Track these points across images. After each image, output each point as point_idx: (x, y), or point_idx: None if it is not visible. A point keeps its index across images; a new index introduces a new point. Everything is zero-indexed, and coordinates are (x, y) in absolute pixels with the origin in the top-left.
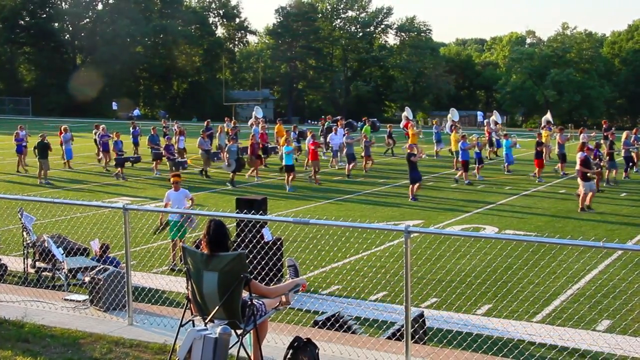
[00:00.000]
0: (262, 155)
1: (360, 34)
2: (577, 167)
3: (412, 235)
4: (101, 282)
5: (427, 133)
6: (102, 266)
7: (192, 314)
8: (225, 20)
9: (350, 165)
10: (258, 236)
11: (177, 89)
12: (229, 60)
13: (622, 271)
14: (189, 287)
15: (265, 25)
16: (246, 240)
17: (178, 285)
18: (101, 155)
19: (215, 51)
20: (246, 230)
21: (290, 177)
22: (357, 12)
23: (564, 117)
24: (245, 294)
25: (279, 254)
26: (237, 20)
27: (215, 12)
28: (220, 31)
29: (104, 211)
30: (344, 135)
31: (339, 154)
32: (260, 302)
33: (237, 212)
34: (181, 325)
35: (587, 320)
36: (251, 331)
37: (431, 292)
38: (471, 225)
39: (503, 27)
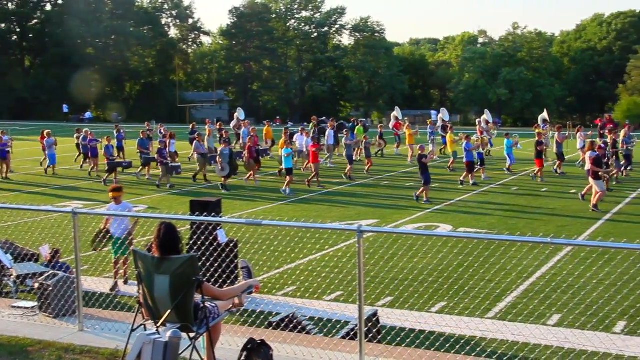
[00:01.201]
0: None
1: (315, 35)
2: (588, 166)
3: (365, 235)
4: (50, 288)
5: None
6: (51, 272)
7: (143, 318)
8: (178, 21)
9: (350, 167)
10: (211, 238)
11: (130, 90)
12: (182, 62)
13: (570, 266)
14: (141, 291)
15: (219, 26)
16: (199, 243)
17: (130, 289)
18: (84, 159)
19: (169, 52)
20: (199, 232)
21: (289, 181)
22: (311, 13)
23: (516, 115)
24: (197, 297)
25: (231, 255)
26: (191, 21)
27: (168, 12)
28: (173, 32)
29: (54, 216)
30: (333, 136)
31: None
32: (213, 305)
33: (190, 215)
34: (132, 330)
35: (537, 315)
36: (204, 334)
37: (386, 290)
38: (426, 223)
39: (455, 27)
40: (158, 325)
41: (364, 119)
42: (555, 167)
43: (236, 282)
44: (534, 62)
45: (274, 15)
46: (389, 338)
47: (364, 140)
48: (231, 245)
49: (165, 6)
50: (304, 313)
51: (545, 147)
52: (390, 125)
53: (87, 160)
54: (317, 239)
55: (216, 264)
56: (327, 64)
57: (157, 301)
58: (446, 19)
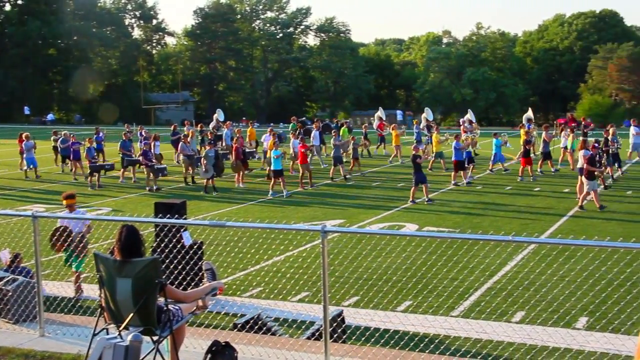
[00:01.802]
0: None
1: (280, 35)
2: (580, 165)
3: (330, 236)
4: (10, 293)
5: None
6: (11, 276)
7: (106, 322)
8: (142, 21)
9: (337, 168)
10: (174, 240)
11: (93, 92)
12: (146, 63)
13: (532, 263)
14: (102, 295)
15: (183, 26)
16: (162, 245)
17: (92, 292)
18: (62, 161)
19: (132, 53)
20: (162, 235)
21: (281, 182)
22: (276, 13)
23: (480, 115)
24: (161, 300)
25: (195, 258)
26: (155, 21)
27: (132, 13)
28: (137, 33)
29: (14, 220)
30: (319, 136)
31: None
32: (177, 307)
33: (154, 217)
34: (94, 335)
35: (501, 313)
36: (168, 337)
37: (353, 290)
38: (392, 223)
39: (420, 27)
40: (120, 329)
41: (348, 120)
42: (538, 166)
43: (200, 284)
44: (498, 62)
45: (238, 16)
46: (353, 338)
47: (352, 141)
48: (194, 247)
49: (129, 7)
50: (270, 314)
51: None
52: (375, 126)
53: (67, 163)
54: (283, 240)
55: (179, 266)
56: (292, 64)
57: (119, 305)
58: (411, 19)
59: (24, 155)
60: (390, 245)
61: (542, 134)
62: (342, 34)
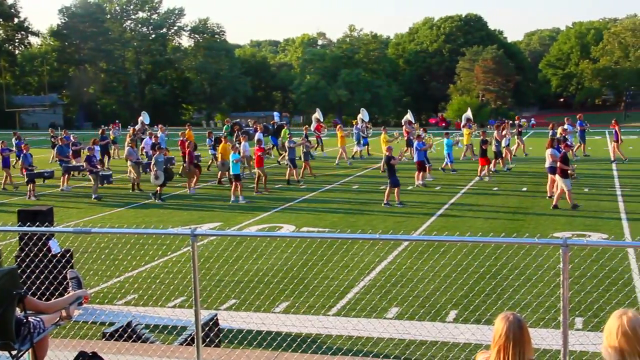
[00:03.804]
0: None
1: (153, 36)
2: (549, 164)
3: (206, 239)
4: None
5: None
6: None
7: None
8: (1, 19)
9: (294, 171)
10: (36, 249)
11: None
12: (9, 64)
13: (409, 260)
14: None
15: (49, 26)
16: (23, 255)
17: None
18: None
19: None
20: (22, 244)
21: (239, 188)
22: (148, 14)
23: (356, 115)
24: (21, 312)
25: (60, 266)
26: (16, 20)
27: None
28: None
29: None
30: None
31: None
32: (38, 319)
33: (17, 225)
34: None
35: (377, 309)
36: (29, 351)
37: (230, 293)
38: (270, 224)
39: (295, 29)
40: None
41: (284, 121)
42: (492, 165)
43: (65, 294)
44: (371, 64)
45: (108, 16)
46: (226, 341)
47: (304, 143)
48: (59, 255)
49: None
50: (141, 321)
51: (470, 147)
52: (312, 128)
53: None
54: (155, 245)
55: (42, 276)
56: (166, 66)
57: None
58: (286, 20)
59: None
60: (263, 247)
61: (493, 132)
62: (216, 35)
